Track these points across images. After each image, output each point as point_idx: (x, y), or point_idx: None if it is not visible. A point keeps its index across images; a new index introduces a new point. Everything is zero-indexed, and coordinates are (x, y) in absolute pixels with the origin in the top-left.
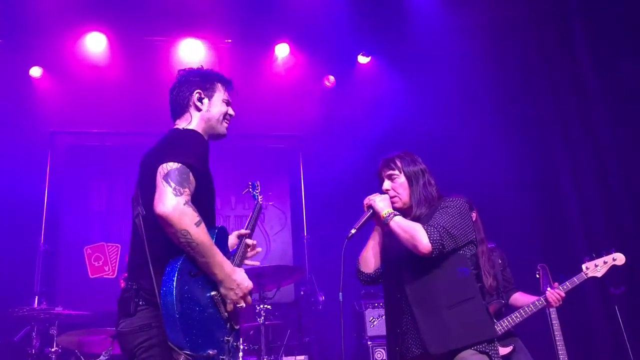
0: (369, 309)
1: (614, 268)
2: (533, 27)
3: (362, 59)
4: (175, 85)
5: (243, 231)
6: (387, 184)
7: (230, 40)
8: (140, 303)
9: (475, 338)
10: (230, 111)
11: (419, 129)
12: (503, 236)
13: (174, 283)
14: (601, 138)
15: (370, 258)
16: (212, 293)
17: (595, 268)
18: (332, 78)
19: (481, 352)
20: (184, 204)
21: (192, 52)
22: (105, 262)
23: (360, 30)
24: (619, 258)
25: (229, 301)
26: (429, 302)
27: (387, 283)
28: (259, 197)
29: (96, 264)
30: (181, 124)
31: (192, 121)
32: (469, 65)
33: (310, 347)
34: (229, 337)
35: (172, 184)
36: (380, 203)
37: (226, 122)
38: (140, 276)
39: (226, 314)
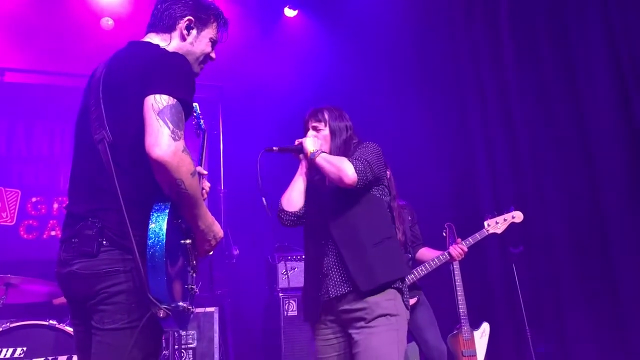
0: (281, 262)
1: (514, 229)
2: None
3: (289, 12)
4: None
5: (202, 171)
6: (310, 134)
7: None
8: (104, 243)
9: (396, 274)
10: (213, 54)
11: (342, 87)
12: (416, 196)
13: (164, 234)
14: (513, 108)
15: (294, 197)
16: (187, 241)
17: (496, 225)
18: (110, 21)
19: (396, 289)
20: (182, 151)
21: None
22: (3, 208)
23: None
24: (518, 216)
25: (201, 250)
26: (355, 241)
27: (309, 225)
28: (203, 123)
29: None
30: (157, 40)
31: (171, 44)
32: (397, 28)
33: (221, 299)
34: (193, 284)
35: (170, 126)
36: (310, 141)
37: (203, 64)
38: (105, 213)
39: (195, 262)
